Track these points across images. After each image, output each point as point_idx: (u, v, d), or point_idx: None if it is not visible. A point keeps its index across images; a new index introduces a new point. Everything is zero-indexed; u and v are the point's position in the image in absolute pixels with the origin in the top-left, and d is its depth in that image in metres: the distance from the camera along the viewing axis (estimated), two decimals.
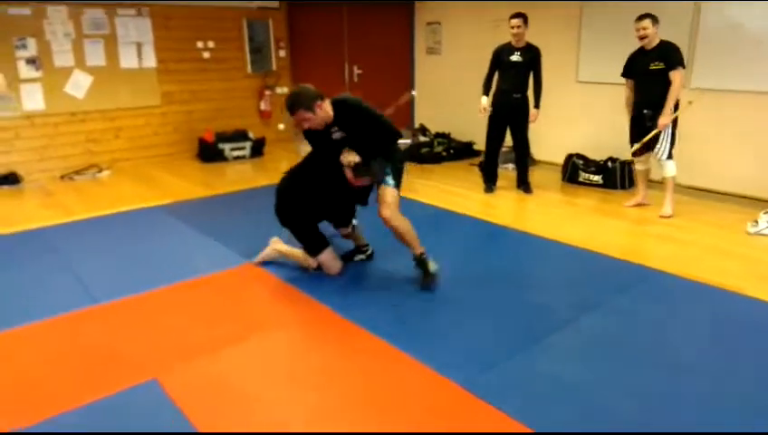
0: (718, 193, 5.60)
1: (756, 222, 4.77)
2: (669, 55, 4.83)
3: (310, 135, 3.70)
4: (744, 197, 5.44)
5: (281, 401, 2.62)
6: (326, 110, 3.49)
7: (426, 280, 3.68)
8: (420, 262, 3.70)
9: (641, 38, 4.91)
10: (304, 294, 3.65)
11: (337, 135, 3.59)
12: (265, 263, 4.11)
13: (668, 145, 4.99)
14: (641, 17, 4.89)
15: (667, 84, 4.86)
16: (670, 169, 5.08)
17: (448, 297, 3.59)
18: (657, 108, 4.92)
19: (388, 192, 3.63)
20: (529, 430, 2.38)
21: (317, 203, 3.82)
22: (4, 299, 3.62)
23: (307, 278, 3.89)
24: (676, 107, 4.93)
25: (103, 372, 2.83)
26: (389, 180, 3.65)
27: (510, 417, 2.46)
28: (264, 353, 3.00)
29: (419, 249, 3.70)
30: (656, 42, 4.90)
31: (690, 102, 5.04)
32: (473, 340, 3.12)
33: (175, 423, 2.46)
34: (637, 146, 5.11)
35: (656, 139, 5.00)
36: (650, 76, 4.94)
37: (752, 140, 5.32)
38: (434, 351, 2.98)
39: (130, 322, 3.31)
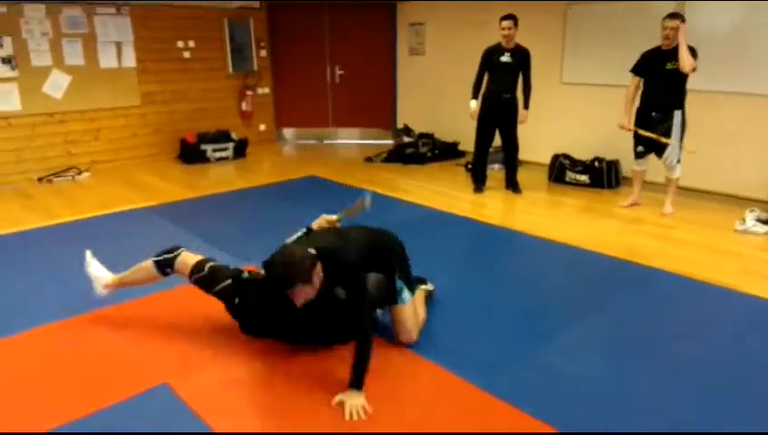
0: (703, 192, 5.72)
1: (744, 220, 4.89)
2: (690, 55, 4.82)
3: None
4: (729, 196, 5.56)
5: (298, 403, 2.58)
6: (319, 273, 2.57)
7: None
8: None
9: (666, 37, 4.87)
10: None
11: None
12: None
13: (678, 150, 5.05)
14: (673, 16, 4.85)
15: (679, 87, 4.91)
16: (677, 172, 5.16)
17: (453, 299, 3.58)
18: (667, 111, 4.97)
19: (407, 312, 2.98)
20: (552, 430, 2.40)
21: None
22: (1, 304, 3.51)
23: None
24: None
25: (113, 377, 2.76)
26: (405, 296, 2.98)
27: (532, 417, 2.47)
28: (276, 355, 2.95)
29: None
30: (676, 42, 4.85)
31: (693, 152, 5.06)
32: (484, 342, 3.12)
33: (191, 426, 2.42)
34: (641, 131, 5.09)
35: (663, 144, 5.05)
36: (665, 77, 4.93)
37: (736, 141, 5.44)
38: (446, 353, 2.97)
39: (134, 326, 3.23)
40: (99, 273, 3.29)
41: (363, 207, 3.35)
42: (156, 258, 3.09)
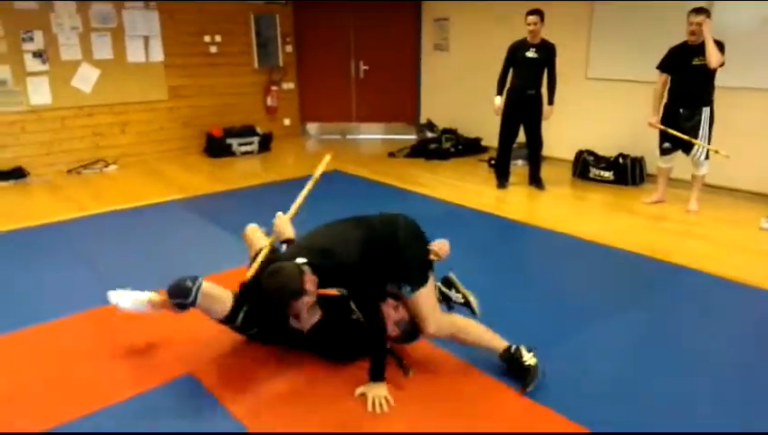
0: (729, 189, 5.65)
1: None
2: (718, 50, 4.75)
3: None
4: (756, 193, 5.49)
5: (319, 393, 2.61)
6: (312, 280, 2.46)
7: (526, 379, 2.65)
8: (511, 359, 2.72)
9: (692, 33, 4.82)
10: None
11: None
12: None
13: (706, 145, 4.99)
14: (698, 11, 4.78)
15: (707, 83, 4.86)
16: (705, 169, 5.10)
17: (476, 295, 3.58)
18: (694, 107, 4.92)
19: (417, 301, 2.69)
20: (577, 427, 2.40)
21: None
22: (29, 294, 3.60)
23: None
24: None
25: (139, 366, 2.83)
26: (404, 289, 2.69)
27: (555, 412, 2.48)
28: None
29: (502, 345, 2.77)
30: (703, 38, 4.79)
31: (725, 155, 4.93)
32: (506, 337, 3.11)
33: (216, 415, 2.47)
34: (670, 130, 5.03)
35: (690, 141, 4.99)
36: (692, 72, 4.87)
37: (763, 138, 5.35)
38: (468, 348, 2.97)
39: (159, 317, 3.25)
40: (133, 303, 2.97)
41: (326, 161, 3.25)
42: (174, 300, 2.72)
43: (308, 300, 2.46)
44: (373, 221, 2.79)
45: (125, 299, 2.96)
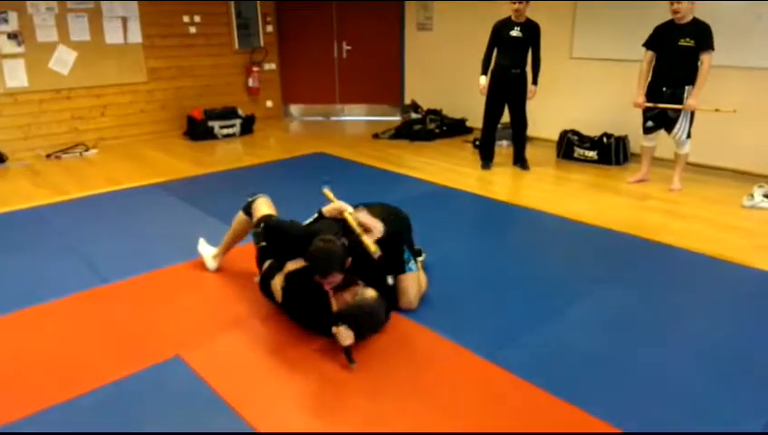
0: (712, 168, 5.69)
1: (751, 196, 4.86)
2: (702, 35, 4.75)
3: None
4: (736, 171, 5.54)
5: (308, 372, 2.61)
6: (349, 264, 2.83)
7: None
8: None
9: (675, 12, 4.81)
10: None
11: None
12: None
13: (688, 125, 5.01)
14: None
15: (691, 63, 4.85)
16: (687, 148, 5.13)
17: (460, 274, 3.60)
18: (678, 86, 4.93)
19: (411, 280, 3.13)
20: (559, 401, 2.42)
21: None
22: (12, 279, 3.54)
23: None
24: None
25: (125, 349, 2.79)
26: (411, 265, 3.15)
27: (537, 387, 2.50)
28: (287, 326, 2.97)
29: None
30: (689, 17, 4.81)
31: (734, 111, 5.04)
32: (491, 314, 3.14)
33: (203, 397, 2.46)
34: (660, 105, 5.04)
35: (673, 119, 5.02)
36: (677, 53, 4.87)
37: (746, 116, 5.38)
38: (454, 326, 2.98)
39: (145, 300, 3.26)
40: (205, 251, 3.64)
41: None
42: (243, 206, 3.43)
43: (341, 278, 2.79)
44: (388, 210, 3.27)
45: (204, 247, 3.66)
